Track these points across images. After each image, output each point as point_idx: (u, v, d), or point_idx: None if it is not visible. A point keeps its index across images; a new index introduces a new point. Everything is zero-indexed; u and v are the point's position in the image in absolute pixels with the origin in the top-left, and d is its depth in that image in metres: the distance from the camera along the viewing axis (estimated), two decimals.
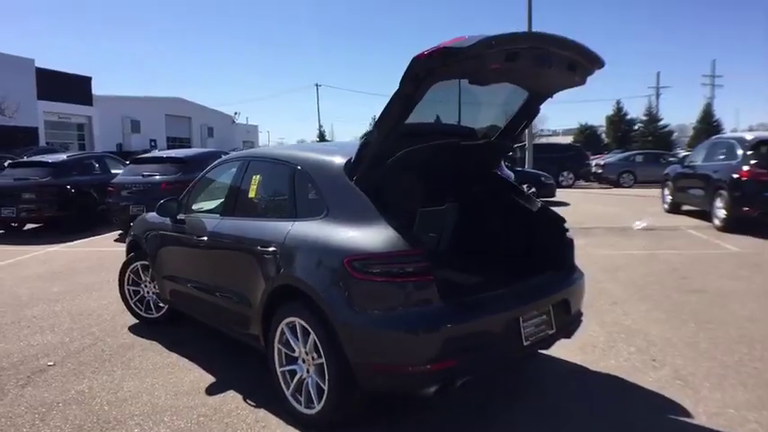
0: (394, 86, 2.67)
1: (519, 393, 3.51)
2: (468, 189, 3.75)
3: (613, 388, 3.52)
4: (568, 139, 43.13)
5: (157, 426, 3.15)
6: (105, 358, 4.23)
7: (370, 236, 2.73)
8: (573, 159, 22.03)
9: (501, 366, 3.24)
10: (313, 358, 2.94)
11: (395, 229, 2.70)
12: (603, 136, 46.57)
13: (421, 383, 2.65)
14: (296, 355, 3.07)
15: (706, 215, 10.19)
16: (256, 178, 3.69)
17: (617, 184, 21.59)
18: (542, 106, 3.55)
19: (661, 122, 42.86)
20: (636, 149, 29.01)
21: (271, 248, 3.16)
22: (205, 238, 3.87)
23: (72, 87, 31.73)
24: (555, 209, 3.70)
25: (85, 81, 33.59)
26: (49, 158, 11.61)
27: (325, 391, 2.85)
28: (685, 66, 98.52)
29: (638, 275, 6.47)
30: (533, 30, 18.91)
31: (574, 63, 2.96)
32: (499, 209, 3.74)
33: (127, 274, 5.05)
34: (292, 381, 3.10)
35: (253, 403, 3.36)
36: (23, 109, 25.72)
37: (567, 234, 3.51)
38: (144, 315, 5.04)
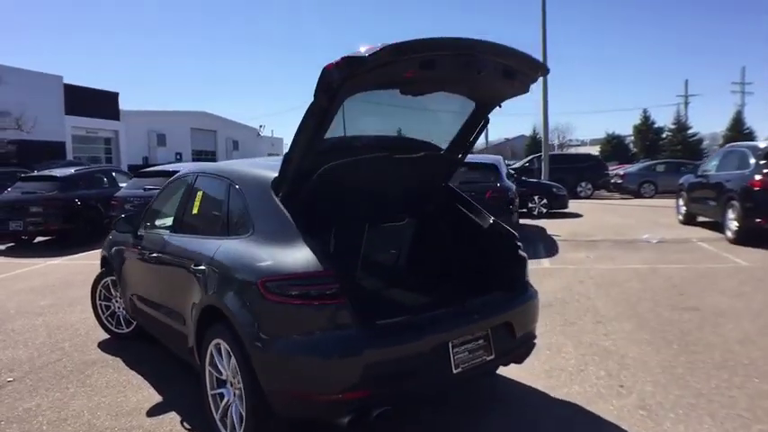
0: None
1: (470, 417, 3.31)
2: (417, 204, 3.59)
3: (569, 417, 3.28)
4: (596, 149, 42.17)
5: None
6: (64, 375, 4.19)
7: (284, 256, 2.60)
8: (591, 170, 21.52)
9: (425, 397, 3.01)
10: (238, 381, 2.82)
11: (310, 248, 2.56)
12: (631, 145, 45.43)
13: (334, 413, 2.49)
14: (224, 378, 2.95)
15: (720, 227, 9.73)
16: (200, 194, 3.62)
17: (638, 195, 20.96)
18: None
19: (690, 131, 41.64)
20: (664, 158, 28.14)
21: (201, 267, 3.07)
22: (155, 255, 3.81)
23: (99, 103, 32.59)
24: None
25: (112, 96, 34.50)
26: (57, 172, 11.86)
27: (244, 418, 2.72)
28: (714, 73, 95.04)
29: (633, 291, 6.16)
30: (545, 40, 18.66)
31: (511, 70, 2.80)
32: (449, 224, 3.57)
33: (98, 289, 5.05)
34: (221, 404, 2.98)
35: (188, 427, 3.26)
36: (52, 124, 26.51)
37: (520, 251, 3.31)
38: (115, 330, 5.02)
